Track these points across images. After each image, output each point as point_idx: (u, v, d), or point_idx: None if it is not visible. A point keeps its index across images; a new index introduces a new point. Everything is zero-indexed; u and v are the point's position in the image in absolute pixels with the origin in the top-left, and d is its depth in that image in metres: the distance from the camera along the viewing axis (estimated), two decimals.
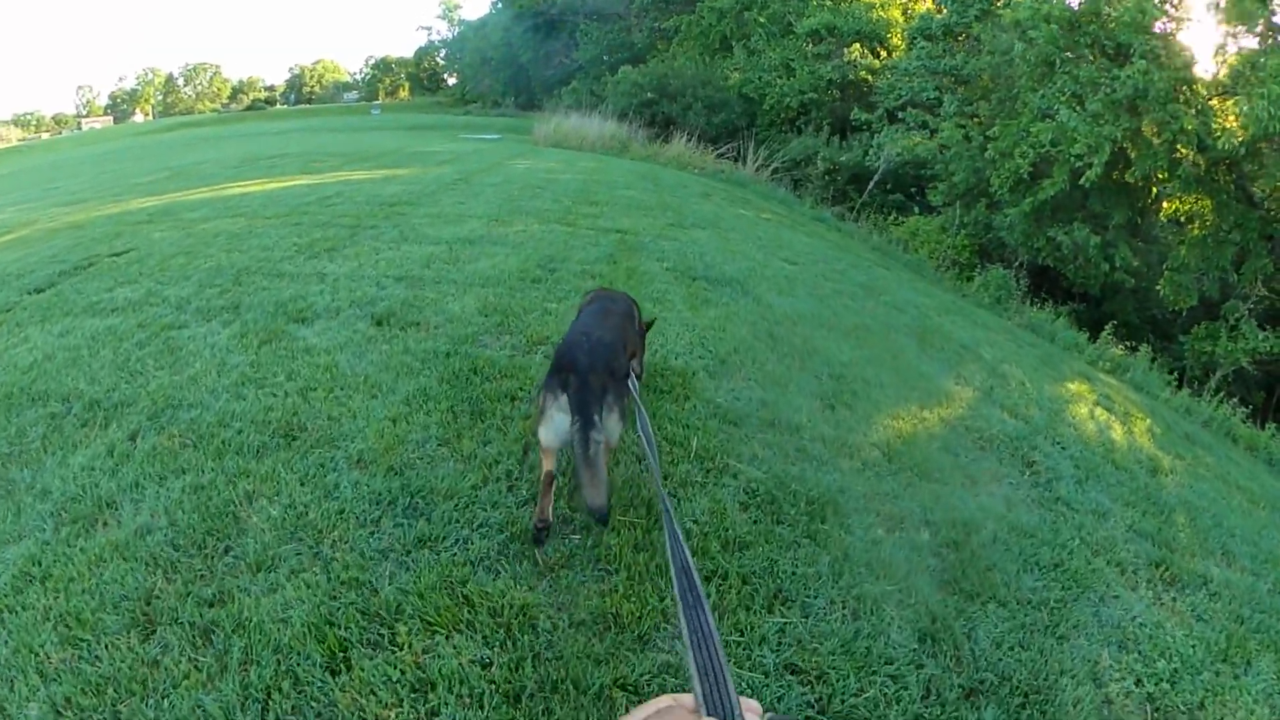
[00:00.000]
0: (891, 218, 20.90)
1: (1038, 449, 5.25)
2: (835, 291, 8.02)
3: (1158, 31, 15.63)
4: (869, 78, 27.98)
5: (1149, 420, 7.50)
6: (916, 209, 20.67)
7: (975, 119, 20.30)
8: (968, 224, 18.17)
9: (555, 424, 3.04)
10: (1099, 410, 7.05)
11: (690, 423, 4.16)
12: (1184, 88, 14.94)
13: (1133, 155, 14.92)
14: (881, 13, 30.00)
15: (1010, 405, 6.10)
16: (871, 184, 22.00)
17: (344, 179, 13.06)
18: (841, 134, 26.36)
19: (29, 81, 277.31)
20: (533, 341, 5.03)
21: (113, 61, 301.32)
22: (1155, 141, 14.92)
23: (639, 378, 3.93)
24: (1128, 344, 13.68)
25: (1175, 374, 13.94)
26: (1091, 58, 15.48)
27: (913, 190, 22.33)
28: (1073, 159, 14.46)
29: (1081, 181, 14.31)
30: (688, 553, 1.63)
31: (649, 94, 28.47)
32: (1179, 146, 14.27)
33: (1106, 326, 13.24)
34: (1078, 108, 14.87)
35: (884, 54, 29.06)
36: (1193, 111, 14.10)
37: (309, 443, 3.73)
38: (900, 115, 23.91)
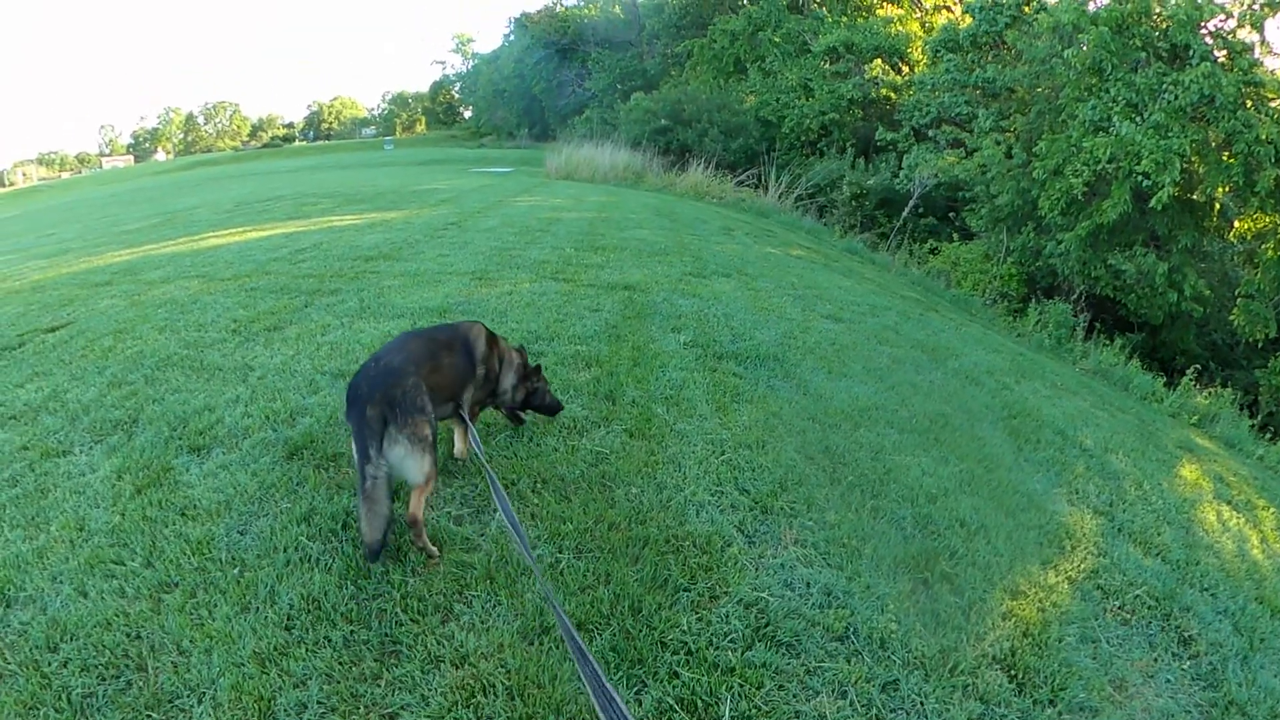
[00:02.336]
0: (927, 245, 19.31)
1: (1190, 609, 3.93)
2: (894, 361, 6.47)
3: (1214, 28, 14.09)
4: (892, 95, 26.54)
5: (1271, 508, 6.36)
6: (955, 234, 19.03)
7: (1010, 133, 18.76)
8: (1014, 250, 16.50)
9: (353, 459, 2.95)
10: (1225, 510, 5.79)
11: (720, 659, 2.67)
12: (1252, 91, 13.36)
13: (1200, 170, 13.32)
14: (900, 27, 28.64)
15: (1139, 532, 4.66)
16: (907, 209, 20.39)
17: (329, 225, 11.75)
18: (865, 155, 24.86)
19: (54, 121, 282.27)
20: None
21: (135, 100, 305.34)
22: (1225, 154, 13.33)
23: (472, 417, 3.69)
24: (1204, 388, 12.09)
25: (1245, 409, 12.31)
26: (1147, 61, 13.89)
27: (949, 214, 20.76)
28: (1137, 177, 12.83)
29: (1152, 204, 12.67)
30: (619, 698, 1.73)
31: (663, 121, 27.16)
32: (1251, 158, 12.66)
33: (1188, 373, 11.60)
34: (1136, 118, 13.27)
35: (905, 69, 27.62)
36: (1270, 119, 12.49)
37: (144, 699, 2.48)
38: (930, 133, 22.37)
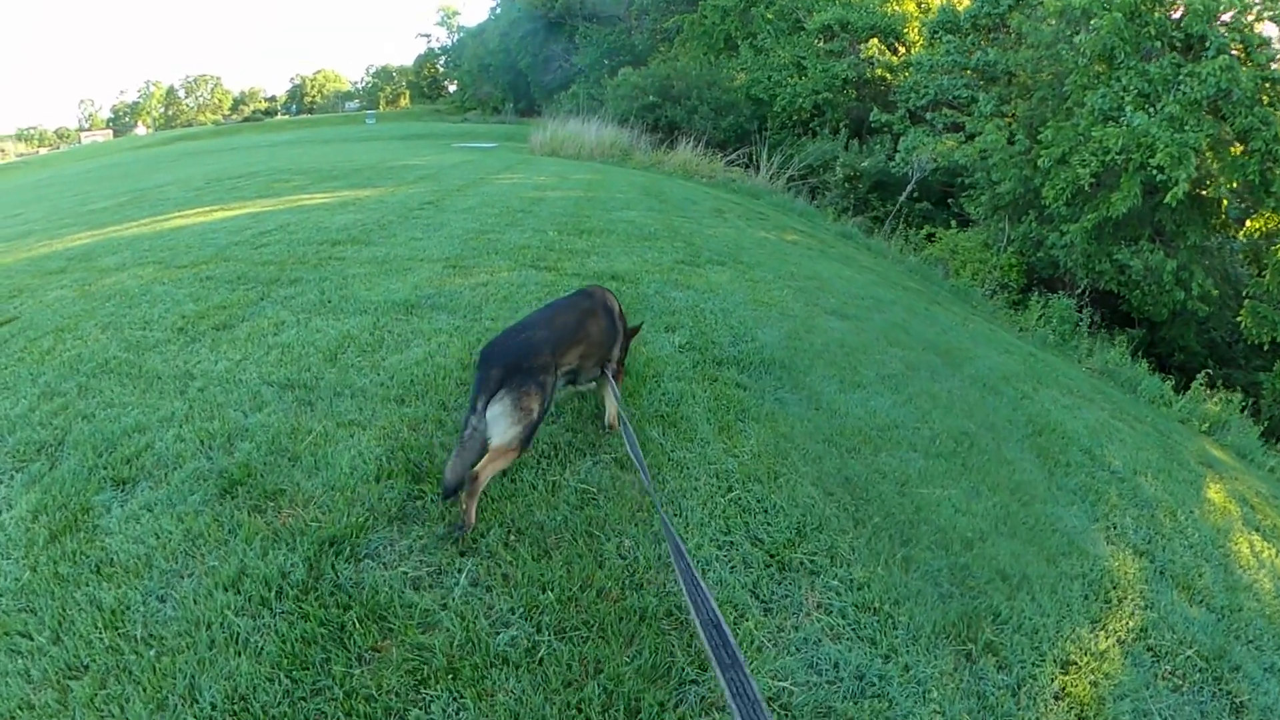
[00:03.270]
0: (923, 231, 18.73)
1: (1239, 669, 3.56)
2: (908, 366, 5.92)
3: (1229, 20, 13.54)
4: (888, 76, 25.87)
5: None
6: (952, 221, 18.44)
7: (1009, 118, 18.20)
8: (1015, 240, 15.94)
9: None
10: (1255, 540, 5.40)
11: None
12: (1268, 86, 12.85)
13: (1213, 166, 12.79)
14: (896, 6, 27.92)
15: (1181, 574, 4.22)
16: (904, 194, 19.78)
17: (298, 204, 11.09)
18: (859, 137, 24.21)
19: (33, 96, 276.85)
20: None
21: (115, 74, 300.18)
22: (1237, 149, 12.84)
23: (617, 377, 3.77)
24: (1209, 390, 11.64)
25: (1244, 410, 11.86)
26: (1161, 51, 13.32)
27: (945, 199, 20.20)
28: (1152, 169, 12.26)
29: (1166, 199, 12.12)
30: (713, 601, 1.69)
31: (651, 97, 26.37)
32: (1268, 156, 12.16)
33: (1199, 378, 11.14)
34: (1149, 109, 12.71)
35: (902, 50, 26.94)
36: None
37: None
38: (927, 116, 21.76)
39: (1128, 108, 12.80)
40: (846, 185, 21.47)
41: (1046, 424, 5.66)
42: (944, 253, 16.67)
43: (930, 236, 18.37)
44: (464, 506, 2.95)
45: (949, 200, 19.90)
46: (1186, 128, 12.06)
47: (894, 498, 3.72)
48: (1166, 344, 15.62)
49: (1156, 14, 13.62)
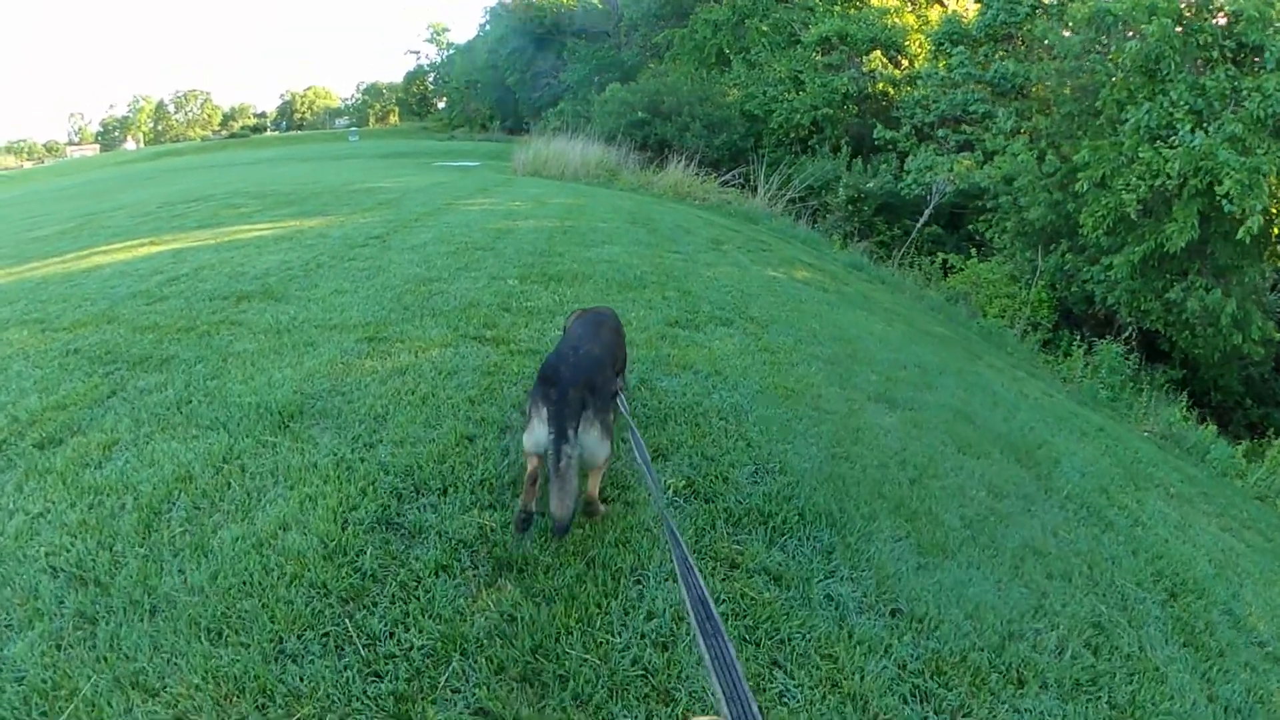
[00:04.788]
0: (937, 259, 17.06)
1: None
2: (992, 493, 4.17)
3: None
4: (890, 90, 24.34)
5: None
6: (973, 248, 16.71)
7: (1024, 134, 16.64)
8: (1045, 273, 14.25)
9: (535, 434, 2.97)
10: None
11: None
12: None
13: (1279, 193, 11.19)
14: (895, 19, 26.44)
15: None
16: (922, 220, 18.04)
17: (232, 239, 9.49)
18: (861, 155, 22.62)
19: (24, 108, 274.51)
20: None
21: (106, 88, 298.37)
22: None
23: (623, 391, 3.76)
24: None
25: None
26: (1215, 62, 11.71)
27: (960, 223, 18.56)
28: (1218, 197, 10.61)
29: (1239, 235, 10.49)
30: (702, 582, 1.78)
31: (640, 113, 24.81)
32: None
33: (1277, 443, 9.60)
34: (1206, 127, 11.09)
35: (904, 63, 25.42)
36: None
37: None
38: (936, 133, 20.18)
39: (1182, 125, 11.18)
40: (850, 208, 19.87)
41: (1177, 576, 3.98)
42: (966, 285, 14.98)
43: (945, 265, 16.73)
44: (594, 510, 3.10)
45: (963, 224, 18.26)
46: (1257, 150, 10.45)
47: None
48: (1202, 382, 14.05)
49: (1207, 20, 12.08)
